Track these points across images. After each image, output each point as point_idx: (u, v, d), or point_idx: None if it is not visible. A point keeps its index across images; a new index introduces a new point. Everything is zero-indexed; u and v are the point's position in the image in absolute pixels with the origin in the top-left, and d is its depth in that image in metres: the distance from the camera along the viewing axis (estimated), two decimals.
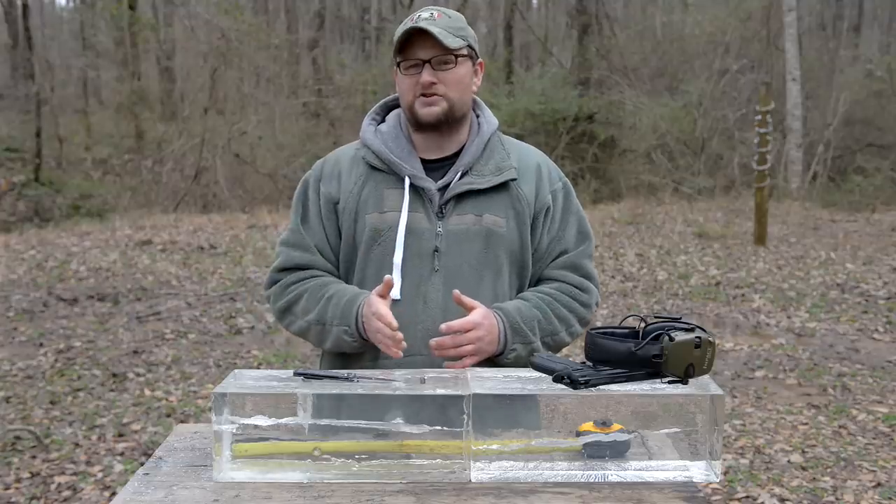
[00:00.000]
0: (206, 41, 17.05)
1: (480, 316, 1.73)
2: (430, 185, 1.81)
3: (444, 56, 1.78)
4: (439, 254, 1.80)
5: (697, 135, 15.75)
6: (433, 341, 1.72)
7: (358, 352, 1.82)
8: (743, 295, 7.45)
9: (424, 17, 1.79)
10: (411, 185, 1.81)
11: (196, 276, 8.33)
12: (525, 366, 1.83)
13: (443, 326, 1.71)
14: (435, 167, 1.85)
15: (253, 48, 17.08)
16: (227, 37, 16.38)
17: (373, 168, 1.85)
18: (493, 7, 24.87)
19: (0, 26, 20.97)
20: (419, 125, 1.83)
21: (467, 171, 1.83)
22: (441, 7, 1.87)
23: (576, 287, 1.87)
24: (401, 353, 1.70)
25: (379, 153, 1.85)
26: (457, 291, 1.73)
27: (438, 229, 1.80)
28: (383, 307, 1.71)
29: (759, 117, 9.82)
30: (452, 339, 1.71)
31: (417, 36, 1.78)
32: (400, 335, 1.69)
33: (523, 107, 16.21)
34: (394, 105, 1.95)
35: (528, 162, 1.89)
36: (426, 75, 1.78)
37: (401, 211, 1.80)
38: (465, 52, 1.82)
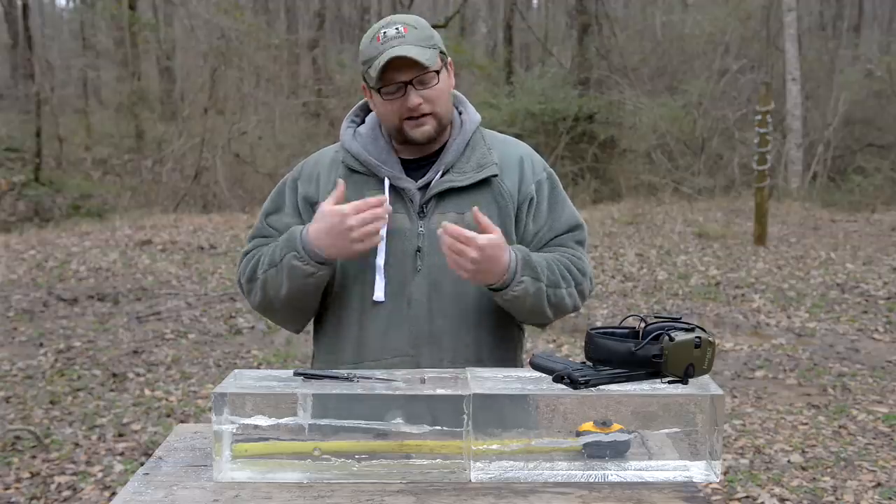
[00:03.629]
0: (206, 41, 17.05)
1: (487, 241, 1.65)
2: (410, 184, 1.80)
3: (425, 75, 1.74)
4: (422, 254, 1.78)
5: (697, 135, 15.75)
6: (445, 224, 1.66)
7: (314, 276, 1.74)
8: (743, 295, 7.45)
9: (391, 34, 1.73)
10: (391, 185, 1.80)
11: (196, 276, 8.33)
12: (528, 307, 1.77)
13: (445, 224, 1.66)
14: (416, 166, 1.83)
15: (253, 48, 17.08)
16: (227, 37, 16.38)
17: (352, 171, 1.83)
18: (493, 7, 24.86)
19: (0, 26, 20.98)
20: (407, 142, 1.80)
21: (448, 169, 1.81)
22: (403, 16, 1.80)
23: (574, 255, 1.85)
24: (387, 206, 1.68)
25: (357, 156, 1.83)
26: (475, 209, 1.69)
27: (420, 229, 1.78)
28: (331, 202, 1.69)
29: (759, 117, 9.82)
30: (452, 241, 1.65)
31: (395, 61, 1.72)
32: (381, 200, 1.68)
33: (523, 107, 16.22)
34: None
35: (511, 156, 1.86)
36: (413, 98, 1.73)
37: None
38: (439, 61, 1.77)
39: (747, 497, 3.58)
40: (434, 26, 1.89)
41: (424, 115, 1.76)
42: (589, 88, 17.42)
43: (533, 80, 17.56)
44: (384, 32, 1.74)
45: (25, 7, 18.07)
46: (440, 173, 1.81)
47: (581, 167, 16.33)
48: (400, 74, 1.73)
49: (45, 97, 17.16)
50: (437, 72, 1.76)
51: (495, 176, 1.82)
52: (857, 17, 23.97)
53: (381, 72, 1.73)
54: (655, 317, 1.47)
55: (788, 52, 15.51)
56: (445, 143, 1.84)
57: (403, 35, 1.73)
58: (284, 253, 1.74)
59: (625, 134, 16.65)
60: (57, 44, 25.99)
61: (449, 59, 1.83)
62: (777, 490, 3.64)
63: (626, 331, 1.46)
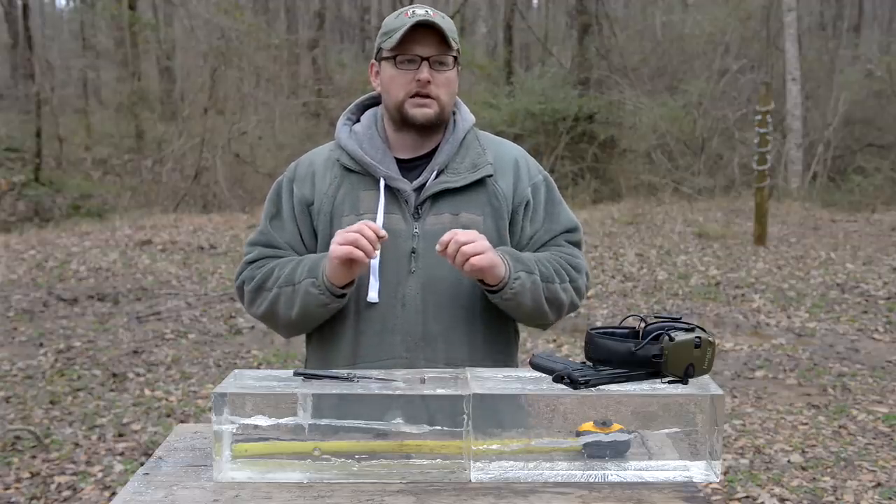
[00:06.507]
0: (206, 41, 17.04)
1: (459, 230, 1.68)
2: (406, 185, 1.78)
3: (443, 56, 1.76)
4: (416, 255, 1.77)
5: (697, 135, 15.75)
6: (441, 244, 1.65)
7: (327, 307, 1.73)
8: (743, 295, 7.45)
9: (421, 12, 1.74)
10: (386, 186, 1.79)
11: (196, 276, 8.33)
12: (528, 304, 1.77)
13: (443, 239, 1.65)
14: (411, 167, 1.82)
15: (253, 48, 17.07)
16: (227, 37, 16.38)
17: (348, 170, 1.82)
18: (493, 7, 24.86)
19: (0, 26, 20.99)
20: (406, 125, 1.79)
21: (443, 170, 1.80)
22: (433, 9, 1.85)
23: (566, 252, 1.85)
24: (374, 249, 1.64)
25: (353, 154, 1.82)
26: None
27: (415, 230, 1.77)
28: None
29: (759, 117, 9.83)
30: (454, 242, 1.64)
31: (418, 31, 1.74)
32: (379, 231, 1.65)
33: (523, 107, 16.22)
34: (370, 104, 1.92)
35: (506, 157, 1.86)
36: (425, 73, 1.74)
37: (376, 213, 1.77)
38: (455, 55, 1.80)
39: (747, 497, 3.58)
40: None
41: (430, 97, 1.76)
42: (589, 88, 17.42)
43: (533, 80, 17.56)
44: (414, 10, 1.76)
45: (25, 7, 18.07)
46: (434, 174, 1.80)
47: (581, 167, 16.33)
48: (421, 48, 1.75)
49: (45, 97, 17.16)
50: (454, 59, 1.79)
51: (490, 176, 1.82)
52: (857, 17, 23.97)
53: (405, 35, 1.73)
54: (655, 317, 1.47)
55: (788, 52, 15.51)
56: (439, 143, 1.84)
57: (432, 17, 1.75)
58: (304, 277, 1.73)
59: (625, 134, 16.65)
60: (57, 44, 26.00)
61: (460, 66, 1.86)
62: (777, 490, 3.64)
63: (626, 331, 1.46)
